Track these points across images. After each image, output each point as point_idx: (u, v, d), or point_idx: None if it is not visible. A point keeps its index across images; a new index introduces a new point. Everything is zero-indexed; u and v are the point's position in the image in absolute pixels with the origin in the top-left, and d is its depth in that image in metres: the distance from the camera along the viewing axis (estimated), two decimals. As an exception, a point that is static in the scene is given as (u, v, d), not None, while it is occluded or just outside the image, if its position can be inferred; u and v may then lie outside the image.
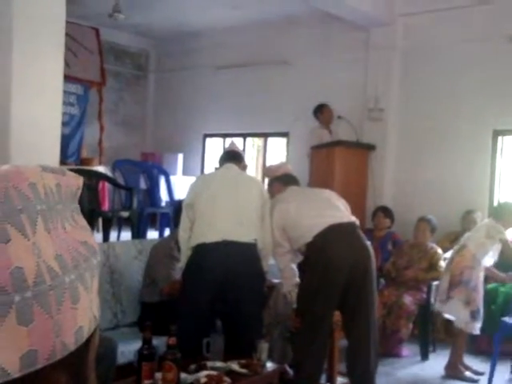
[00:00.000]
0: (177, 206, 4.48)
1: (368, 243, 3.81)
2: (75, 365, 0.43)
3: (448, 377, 4.78)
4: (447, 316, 4.87)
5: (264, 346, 3.35)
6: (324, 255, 3.62)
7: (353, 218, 3.84)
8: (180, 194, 7.81)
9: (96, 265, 0.46)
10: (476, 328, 4.64)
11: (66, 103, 6.76)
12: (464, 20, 6.66)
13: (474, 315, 4.62)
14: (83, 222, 0.47)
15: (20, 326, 0.37)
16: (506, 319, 4.75)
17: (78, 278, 0.43)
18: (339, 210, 3.86)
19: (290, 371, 4.16)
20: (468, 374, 4.82)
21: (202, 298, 3.50)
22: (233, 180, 3.77)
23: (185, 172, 9.08)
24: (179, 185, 8.15)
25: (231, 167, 3.86)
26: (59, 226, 0.43)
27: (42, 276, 0.39)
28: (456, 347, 4.83)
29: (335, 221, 3.70)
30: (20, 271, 0.38)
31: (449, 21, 6.78)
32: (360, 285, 3.65)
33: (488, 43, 6.49)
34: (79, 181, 0.48)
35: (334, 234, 3.65)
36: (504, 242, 4.75)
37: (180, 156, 9.22)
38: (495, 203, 6.60)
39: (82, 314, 0.43)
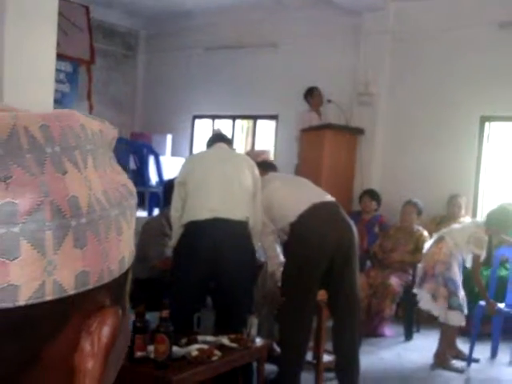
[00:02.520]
0: (167, 185, 4.51)
1: (351, 222, 3.88)
2: (117, 291, 0.46)
3: (435, 365, 4.78)
4: (418, 300, 4.86)
5: (254, 322, 3.41)
6: (308, 235, 3.68)
7: (333, 198, 3.92)
8: (168, 174, 7.82)
9: (134, 205, 0.49)
10: (457, 320, 4.63)
11: (56, 81, 6.71)
12: (455, 6, 6.70)
13: (453, 308, 4.60)
14: (120, 168, 0.50)
15: (75, 249, 0.40)
16: (482, 303, 4.84)
17: (121, 213, 0.46)
18: (320, 190, 3.96)
19: (277, 348, 4.24)
20: (455, 362, 4.78)
21: (194, 274, 3.54)
22: (225, 158, 3.80)
23: (173, 153, 9.08)
24: (168, 165, 8.15)
25: (222, 146, 3.90)
26: (103, 168, 0.47)
27: (93, 206, 0.42)
28: (442, 337, 4.82)
29: (318, 199, 3.78)
30: (75, 200, 0.41)
31: (440, 7, 6.82)
32: (344, 263, 3.72)
33: (478, 30, 6.54)
34: (115, 132, 0.50)
35: (318, 212, 3.72)
36: (476, 258, 4.67)
37: (169, 137, 9.20)
38: (481, 188, 6.71)
39: (124, 246, 0.46)
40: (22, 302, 0.38)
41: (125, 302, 0.49)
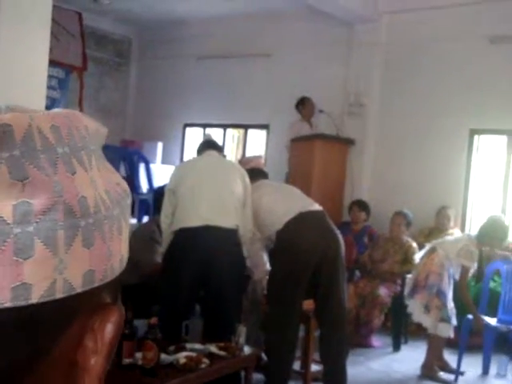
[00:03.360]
0: (158, 192, 4.52)
1: (337, 231, 3.89)
2: (115, 289, 0.47)
3: (422, 376, 4.78)
4: (409, 311, 4.87)
5: (242, 330, 3.41)
6: (294, 242, 3.69)
7: (320, 207, 3.93)
8: (159, 182, 7.80)
9: (129, 205, 0.50)
10: (446, 331, 4.65)
11: (47, 87, 6.70)
12: (446, 20, 6.78)
13: (444, 320, 4.62)
14: (111, 167, 0.50)
15: (84, 248, 0.41)
16: (470, 316, 4.83)
17: (121, 212, 0.47)
18: (308, 199, 3.98)
19: (264, 357, 4.24)
20: (442, 374, 4.79)
21: (183, 281, 3.54)
22: (215, 166, 3.81)
23: (164, 161, 9.08)
24: (158, 173, 8.15)
25: (213, 154, 3.91)
26: (101, 167, 0.47)
27: (99, 206, 0.43)
28: (430, 348, 4.83)
29: (305, 208, 3.80)
30: (84, 200, 0.42)
31: (432, 20, 6.89)
32: (331, 272, 3.72)
33: (469, 44, 6.61)
34: (106, 130, 0.51)
35: (305, 221, 3.74)
36: (464, 270, 4.67)
37: (160, 144, 9.20)
38: (469, 200, 6.75)
39: (124, 245, 0.47)
40: (34, 300, 0.38)
41: (118, 298, 0.50)
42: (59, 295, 0.40)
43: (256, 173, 4.12)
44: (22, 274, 0.38)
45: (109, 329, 0.45)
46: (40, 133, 0.40)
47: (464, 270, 4.69)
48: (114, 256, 0.45)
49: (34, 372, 0.41)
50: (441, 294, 4.65)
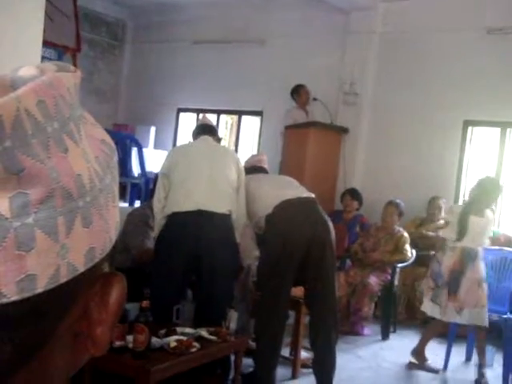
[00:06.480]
0: (154, 177, 4.49)
1: (327, 218, 3.89)
2: (112, 254, 0.47)
3: (410, 364, 4.80)
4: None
5: (233, 315, 3.41)
6: (283, 228, 3.70)
7: (312, 194, 3.93)
8: (151, 167, 7.78)
9: (116, 161, 0.48)
10: (434, 312, 4.60)
11: (40, 67, 6.63)
12: (444, 10, 6.76)
13: (433, 300, 4.58)
14: (91, 118, 0.48)
15: (84, 228, 0.41)
16: None
17: (112, 177, 0.46)
18: (299, 187, 4.00)
19: (252, 344, 4.25)
20: (430, 363, 4.79)
21: (175, 266, 3.54)
22: (209, 151, 3.80)
23: (156, 145, 9.03)
24: (150, 158, 8.11)
25: (207, 139, 3.90)
26: (87, 128, 0.45)
27: (93, 180, 0.42)
28: (425, 335, 4.83)
29: (295, 194, 3.82)
30: (80, 178, 0.41)
31: (429, 9, 6.87)
32: (319, 258, 3.72)
33: (465, 34, 6.60)
34: (79, 74, 0.47)
35: (294, 207, 3.75)
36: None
37: (152, 129, 9.15)
38: (461, 191, 6.77)
39: (117, 210, 0.47)
40: (40, 290, 0.38)
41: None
42: (64, 279, 0.39)
43: (254, 170, 4.15)
44: (25, 266, 0.37)
45: (113, 298, 0.45)
46: (28, 114, 0.38)
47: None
48: (111, 226, 0.45)
49: (40, 351, 0.41)
50: (436, 276, 4.60)
